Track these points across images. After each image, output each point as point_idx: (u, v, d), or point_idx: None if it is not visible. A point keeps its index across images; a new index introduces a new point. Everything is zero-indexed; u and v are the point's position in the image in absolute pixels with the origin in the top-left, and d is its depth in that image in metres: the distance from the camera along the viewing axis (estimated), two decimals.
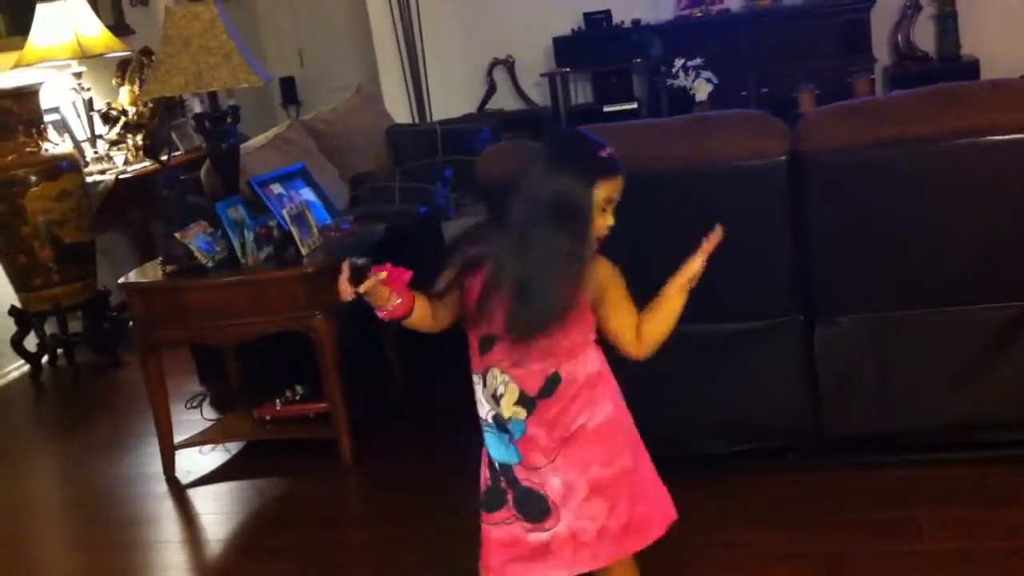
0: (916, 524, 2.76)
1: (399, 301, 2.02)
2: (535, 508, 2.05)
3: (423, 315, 2.08)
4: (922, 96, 2.96)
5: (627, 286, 2.06)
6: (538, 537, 2.06)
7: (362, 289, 1.97)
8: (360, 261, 2.00)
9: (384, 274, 1.99)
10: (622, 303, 2.06)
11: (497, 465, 2.09)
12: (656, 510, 2.13)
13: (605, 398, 2.07)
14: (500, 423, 2.06)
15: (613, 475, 2.04)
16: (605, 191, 1.97)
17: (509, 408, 2.04)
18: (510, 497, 2.07)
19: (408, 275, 2.03)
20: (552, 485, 2.04)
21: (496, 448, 2.09)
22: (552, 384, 2.02)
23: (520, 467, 2.05)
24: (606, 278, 2.04)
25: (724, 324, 2.99)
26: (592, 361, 2.06)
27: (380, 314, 2.04)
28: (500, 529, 2.09)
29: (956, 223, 2.83)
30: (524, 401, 2.03)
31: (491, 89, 7.30)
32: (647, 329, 2.07)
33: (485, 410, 2.09)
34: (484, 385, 2.07)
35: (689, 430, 3.06)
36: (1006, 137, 2.76)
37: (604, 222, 2.00)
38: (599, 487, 2.04)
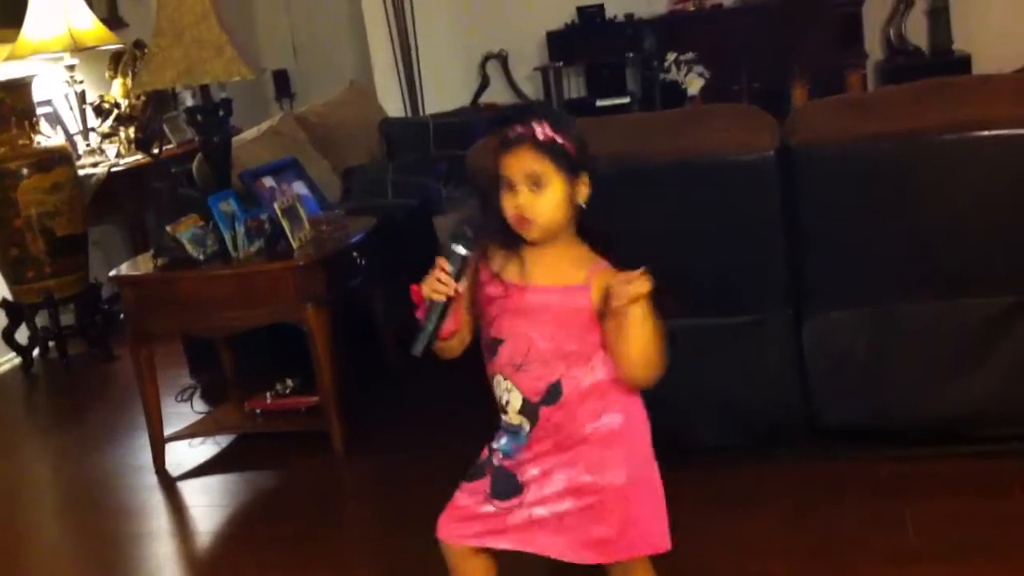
0: (906, 516, 2.76)
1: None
2: (508, 486, 2.01)
3: (463, 333, 2.02)
4: (912, 90, 2.97)
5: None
6: (489, 508, 2.02)
7: (462, 288, 1.87)
8: (462, 251, 1.83)
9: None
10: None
11: (501, 449, 2.05)
12: (651, 530, 2.05)
13: (615, 407, 1.98)
14: (510, 428, 2.03)
15: (594, 484, 1.97)
16: (504, 167, 1.89)
17: (515, 416, 2.00)
18: (490, 473, 2.04)
19: None
20: (531, 473, 2.00)
21: (504, 443, 2.05)
22: (554, 392, 1.95)
23: (523, 450, 2.01)
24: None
25: (714, 319, 2.99)
26: (599, 368, 1.96)
27: (444, 327, 1.93)
28: (468, 497, 2.06)
29: (946, 217, 2.83)
30: (527, 410, 1.97)
31: (484, 83, 7.29)
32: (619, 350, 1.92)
33: (502, 415, 2.05)
34: (494, 391, 2.03)
35: (679, 424, 3.05)
36: (996, 132, 2.76)
37: (508, 200, 1.89)
38: (575, 490, 1.98)
